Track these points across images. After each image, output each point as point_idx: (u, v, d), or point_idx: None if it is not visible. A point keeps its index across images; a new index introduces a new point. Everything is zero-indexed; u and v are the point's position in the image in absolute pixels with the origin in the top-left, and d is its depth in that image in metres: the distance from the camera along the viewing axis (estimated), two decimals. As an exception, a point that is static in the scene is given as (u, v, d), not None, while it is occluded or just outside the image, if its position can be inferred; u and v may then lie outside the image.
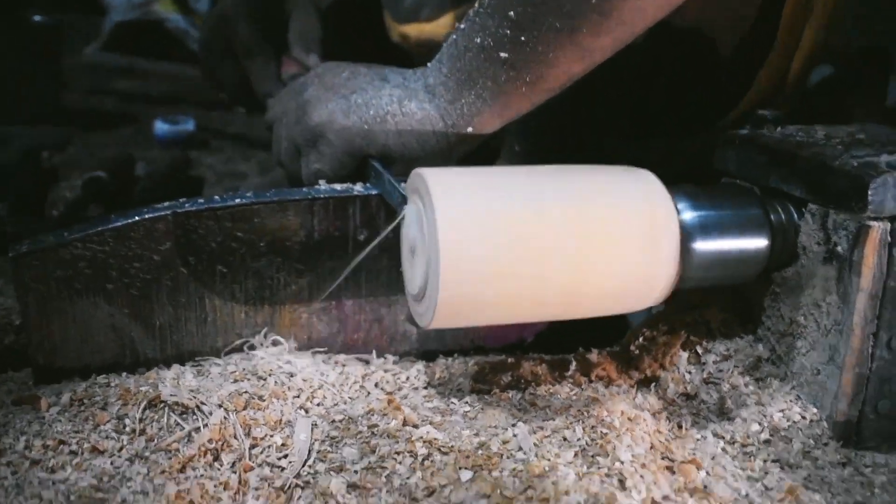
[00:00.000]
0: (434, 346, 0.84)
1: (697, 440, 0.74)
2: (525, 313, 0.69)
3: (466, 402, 0.74)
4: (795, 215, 0.77)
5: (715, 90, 0.99)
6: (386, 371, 0.78)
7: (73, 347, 0.73)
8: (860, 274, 0.72)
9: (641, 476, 0.64)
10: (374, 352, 0.81)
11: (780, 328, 0.80)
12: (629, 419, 0.71)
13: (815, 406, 0.76)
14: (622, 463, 0.65)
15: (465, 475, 0.63)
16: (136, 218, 0.71)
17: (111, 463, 0.61)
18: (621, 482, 0.63)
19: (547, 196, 0.67)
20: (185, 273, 0.74)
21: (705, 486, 0.67)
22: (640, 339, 0.83)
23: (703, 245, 0.74)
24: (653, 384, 0.80)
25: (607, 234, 0.68)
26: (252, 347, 0.77)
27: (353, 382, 0.75)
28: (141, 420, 0.64)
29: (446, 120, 0.76)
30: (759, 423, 0.75)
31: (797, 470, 0.72)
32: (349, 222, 0.77)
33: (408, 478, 0.63)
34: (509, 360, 0.81)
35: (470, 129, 0.76)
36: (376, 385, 0.76)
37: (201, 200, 0.73)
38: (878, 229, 0.71)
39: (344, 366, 0.77)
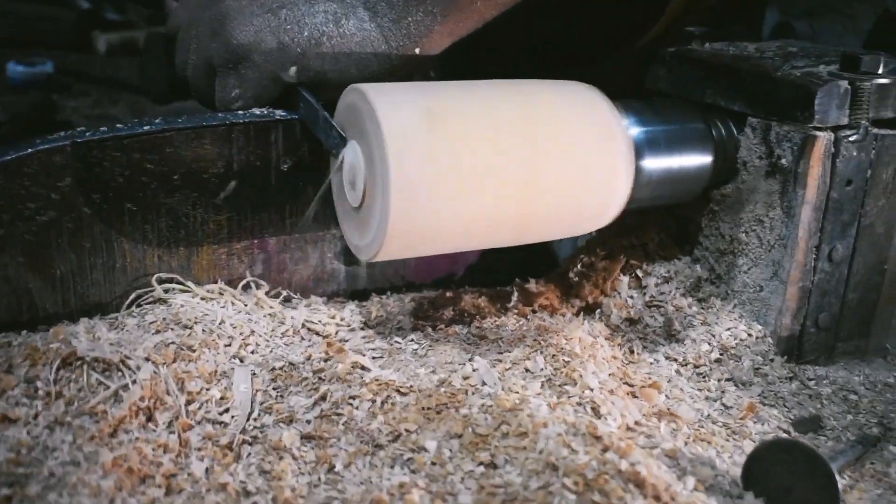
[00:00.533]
0: (363, 286, 0.78)
1: (651, 364, 0.71)
2: (478, 238, 0.64)
3: (412, 340, 0.69)
4: (735, 130, 0.76)
5: (629, 12, 0.96)
6: (315, 313, 0.72)
7: (-42, 304, 0.62)
8: (805, 186, 0.71)
9: (613, 402, 0.61)
10: (299, 294, 0.75)
11: (719, 247, 0.78)
12: (587, 346, 0.67)
13: (760, 323, 0.76)
14: (592, 391, 0.62)
15: (431, 416, 0.58)
16: (30, 150, 0.61)
17: (27, 433, 0.53)
18: (595, 410, 0.60)
19: (500, 113, 0.62)
20: (88, 213, 0.64)
21: (669, 409, 0.65)
22: (579, 265, 0.80)
23: (652, 162, 0.71)
24: (597, 311, 0.77)
25: (564, 152, 0.64)
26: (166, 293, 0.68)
27: (285, 327, 0.69)
28: (56, 381, 0.55)
29: (390, 41, 0.69)
30: (709, 344, 0.74)
31: (750, 387, 0.71)
32: (271, 150, 0.69)
33: (368, 423, 0.57)
34: (447, 294, 0.76)
35: (417, 51, 0.69)
36: (308, 329, 0.70)
37: (104, 128, 0.64)
38: (823, 139, 0.70)
39: (271, 309, 0.70)
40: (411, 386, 0.60)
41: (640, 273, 0.79)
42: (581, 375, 0.63)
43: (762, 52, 0.79)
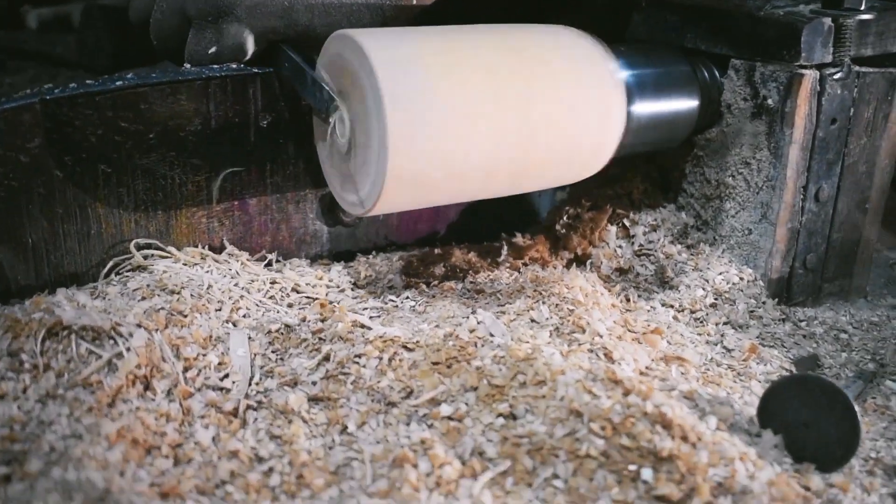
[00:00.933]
0: (346, 247, 0.75)
1: (648, 311, 0.70)
2: (474, 185, 0.62)
3: (408, 297, 0.67)
4: (717, 73, 0.75)
5: None
6: (302, 275, 0.69)
7: (-77, 279, 0.58)
8: (793, 125, 0.71)
9: (623, 348, 0.60)
10: (281, 257, 0.72)
11: (705, 192, 0.77)
12: (588, 294, 0.66)
13: (750, 266, 0.75)
14: (601, 337, 0.60)
15: (442, 370, 0.55)
16: (-7, 109, 0.57)
17: (18, 407, 0.49)
18: (608, 356, 0.58)
19: (493, 56, 0.60)
20: (60, 176, 0.60)
21: (676, 354, 0.64)
22: (565, 217, 0.78)
23: (641, 106, 0.70)
24: (587, 262, 0.76)
25: (558, 94, 0.62)
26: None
27: (274, 290, 0.66)
28: (43, 353, 0.51)
29: None
30: (703, 289, 0.73)
31: (747, 329, 0.71)
32: (250, 106, 0.66)
33: (378, 381, 0.55)
34: (436, 251, 0.74)
35: (414, 0, 0.66)
36: (297, 291, 0.67)
37: (73, 85, 0.60)
38: (809, 77, 0.70)
39: (257, 273, 0.67)
40: (417, 341, 0.58)
41: (626, 223, 0.78)
42: (588, 323, 0.61)
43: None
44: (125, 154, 0.62)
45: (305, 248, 0.73)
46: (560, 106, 0.62)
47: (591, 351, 0.59)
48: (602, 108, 0.64)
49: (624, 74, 0.69)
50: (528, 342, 0.58)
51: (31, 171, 0.59)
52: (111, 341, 0.53)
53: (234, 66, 0.65)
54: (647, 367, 0.60)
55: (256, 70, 0.65)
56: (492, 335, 0.59)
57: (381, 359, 0.56)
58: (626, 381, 0.54)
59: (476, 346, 0.58)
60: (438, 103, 0.57)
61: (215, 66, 0.64)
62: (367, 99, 0.56)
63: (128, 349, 0.52)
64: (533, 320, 0.62)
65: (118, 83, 0.60)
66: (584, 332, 0.61)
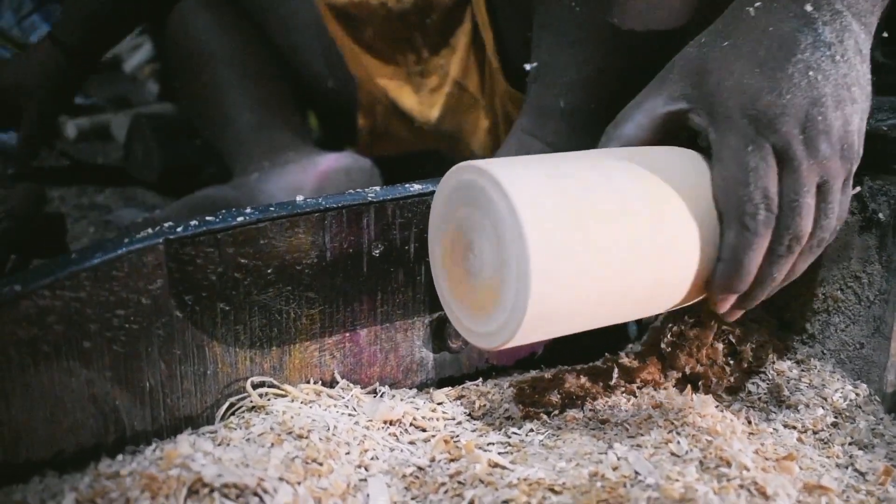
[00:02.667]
0: (450, 373, 0.73)
1: (772, 433, 0.68)
2: (609, 313, 0.60)
3: (532, 430, 0.64)
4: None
5: None
6: (416, 409, 0.66)
7: (41, 431, 0.55)
8: (906, 239, 0.70)
9: (773, 481, 0.57)
10: (387, 387, 0.69)
11: (811, 306, 0.76)
12: (720, 422, 0.64)
13: (863, 381, 0.73)
14: (748, 470, 0.58)
15: (597, 515, 0.53)
16: (120, 251, 0.55)
17: (169, 576, 0.46)
18: (761, 492, 0.56)
19: (625, 191, 0.59)
20: (180, 317, 0.58)
21: (817, 483, 0.61)
22: (669, 335, 0.76)
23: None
24: (698, 381, 0.74)
25: (684, 220, 0.61)
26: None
27: (393, 427, 0.63)
28: (183, 514, 0.48)
29: None
30: (822, 408, 0.71)
31: (874, 449, 0.68)
32: (363, 236, 0.64)
33: (530, 529, 0.52)
34: (546, 376, 0.72)
35: None
36: (414, 426, 0.64)
37: (194, 222, 0.58)
38: (921, 191, 0.69)
39: (373, 408, 0.64)
40: (563, 483, 0.55)
41: (732, 339, 0.76)
42: (732, 455, 0.59)
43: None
44: (243, 291, 0.60)
45: (412, 376, 0.70)
46: (685, 230, 0.61)
47: (742, 487, 0.56)
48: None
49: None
50: (678, 480, 0.55)
51: (152, 313, 0.57)
52: (256, 498, 0.50)
53: (350, 193, 0.64)
54: (798, 501, 0.57)
55: (371, 198, 0.64)
56: (637, 473, 0.57)
57: (530, 503, 0.54)
58: (793, 523, 0.51)
59: (626, 486, 0.55)
60: (578, 238, 0.55)
61: (330, 197, 0.63)
62: (504, 232, 0.55)
63: (276, 507, 0.49)
64: (674, 454, 0.59)
65: (239, 219, 0.59)
66: (729, 465, 0.58)
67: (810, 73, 0.58)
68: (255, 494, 0.50)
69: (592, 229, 0.56)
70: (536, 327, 0.57)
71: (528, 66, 0.89)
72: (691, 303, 0.67)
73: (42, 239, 1.07)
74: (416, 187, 0.65)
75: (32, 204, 1.09)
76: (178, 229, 0.57)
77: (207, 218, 0.59)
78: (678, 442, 0.60)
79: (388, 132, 1.15)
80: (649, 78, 0.67)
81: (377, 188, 0.65)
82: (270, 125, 1.14)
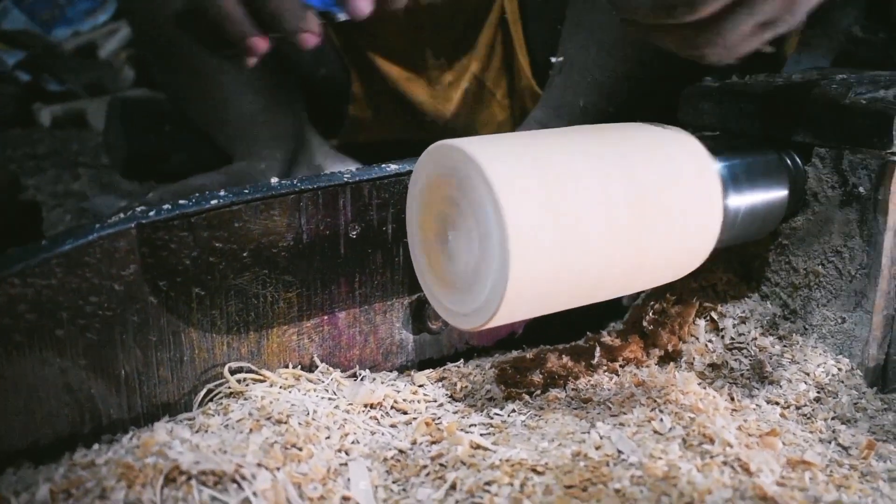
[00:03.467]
0: (430, 354, 0.72)
1: (755, 409, 0.68)
2: (587, 292, 0.60)
3: (514, 411, 0.64)
4: (800, 161, 0.74)
5: None
6: (397, 391, 0.65)
7: (17, 423, 0.54)
8: (886, 212, 0.69)
9: (756, 457, 0.57)
10: (367, 370, 0.68)
11: (792, 281, 0.76)
12: (702, 399, 0.63)
13: (845, 355, 0.73)
14: (731, 447, 0.57)
15: (579, 494, 0.52)
16: (91, 237, 0.54)
17: (146, 566, 0.45)
18: (744, 468, 0.56)
19: (604, 162, 0.58)
20: (154, 303, 0.57)
21: (801, 458, 0.61)
22: (651, 313, 0.76)
23: (737, 200, 0.68)
24: (680, 359, 0.74)
25: (668, 199, 0.60)
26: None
27: (374, 410, 0.62)
28: (163, 503, 0.48)
29: None
30: (805, 383, 0.71)
31: (857, 423, 0.68)
32: (340, 217, 0.63)
33: (514, 510, 0.51)
34: (528, 356, 0.71)
35: None
36: (397, 409, 0.63)
37: (167, 206, 0.57)
38: (902, 164, 0.69)
39: (353, 390, 0.64)
40: (546, 463, 0.55)
41: (714, 315, 0.76)
42: (715, 432, 0.58)
43: (813, 80, 0.78)
44: (219, 275, 0.59)
45: (392, 358, 0.70)
46: (666, 207, 0.60)
47: (725, 463, 0.56)
48: (705, 207, 0.62)
49: (718, 167, 0.67)
50: (661, 458, 0.55)
51: (126, 300, 0.56)
52: (234, 485, 0.49)
53: (326, 174, 0.63)
54: (782, 477, 0.57)
55: (347, 179, 0.63)
56: (620, 452, 0.56)
57: (512, 485, 0.53)
58: (777, 498, 0.51)
59: (609, 465, 0.55)
60: (555, 213, 0.55)
61: (306, 178, 0.62)
62: (485, 212, 0.54)
63: (254, 494, 0.49)
64: (656, 431, 0.59)
65: (213, 202, 0.58)
66: (713, 442, 0.58)
67: None
68: (234, 481, 0.49)
69: (571, 213, 0.55)
70: (516, 308, 0.56)
71: (554, 59, 0.89)
72: (674, 279, 0.66)
73: (17, 228, 1.06)
74: (393, 167, 0.64)
75: (6, 192, 1.08)
76: (151, 213, 0.56)
77: (181, 201, 0.58)
78: (661, 420, 0.60)
79: (381, 121, 1.13)
80: (666, 87, 0.67)
81: (353, 168, 0.64)
82: (274, 110, 1.11)
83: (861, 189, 0.70)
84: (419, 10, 1.03)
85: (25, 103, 1.51)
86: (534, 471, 0.54)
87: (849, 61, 1.49)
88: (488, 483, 0.53)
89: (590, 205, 0.56)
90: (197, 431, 0.56)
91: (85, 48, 2.01)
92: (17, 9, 1.76)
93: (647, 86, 0.83)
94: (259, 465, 0.51)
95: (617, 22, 0.72)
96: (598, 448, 0.57)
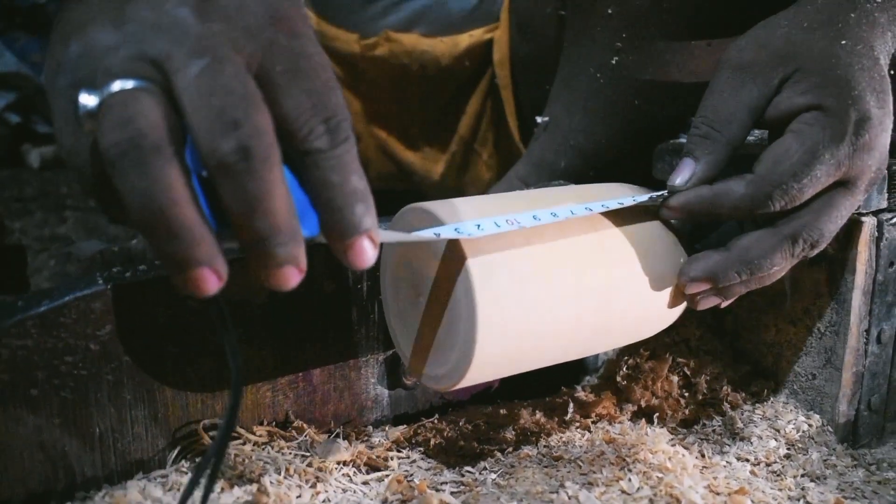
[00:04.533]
0: (405, 409, 0.73)
1: (725, 466, 0.69)
2: (555, 356, 0.61)
3: (486, 468, 0.64)
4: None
5: None
6: (370, 448, 0.66)
7: (-11, 481, 0.54)
8: (854, 271, 0.71)
9: (722, 519, 0.58)
10: (341, 426, 0.69)
11: (765, 338, 0.77)
12: (672, 457, 0.64)
13: (816, 411, 0.74)
14: (698, 508, 0.58)
15: (546, 556, 0.53)
16: (67, 298, 0.55)
17: None
18: (710, 530, 0.56)
19: (574, 238, 0.59)
20: (129, 362, 0.58)
21: (767, 517, 0.62)
22: (624, 368, 0.77)
23: (706, 259, 0.70)
24: (654, 414, 0.74)
25: (635, 269, 0.61)
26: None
27: (346, 467, 0.63)
28: (130, 564, 0.48)
29: None
30: (775, 440, 0.72)
31: (826, 481, 0.69)
32: (315, 274, 0.64)
33: (481, 572, 0.52)
34: (501, 411, 0.72)
35: None
36: (369, 466, 0.64)
37: (143, 267, 0.58)
38: (868, 224, 0.70)
39: (319, 449, 0.64)
40: (515, 524, 0.55)
41: (687, 371, 0.77)
42: (682, 493, 0.59)
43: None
44: (194, 333, 0.60)
45: (367, 413, 0.70)
46: (634, 273, 0.61)
47: (691, 524, 0.57)
48: (672, 272, 0.63)
49: (688, 229, 0.68)
50: (628, 519, 0.56)
51: (101, 359, 0.57)
52: (204, 547, 0.49)
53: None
54: (747, 538, 0.58)
55: (322, 241, 0.64)
56: (587, 512, 0.57)
57: (479, 546, 0.54)
58: (739, 561, 0.52)
59: (577, 526, 0.55)
60: (523, 285, 0.56)
61: (283, 238, 0.63)
62: (456, 290, 0.55)
63: (222, 556, 0.49)
64: (624, 491, 0.60)
65: (189, 262, 0.58)
66: (679, 503, 0.58)
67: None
68: (202, 543, 0.50)
69: (539, 284, 0.57)
70: (484, 371, 0.57)
71: (539, 119, 0.91)
72: (643, 339, 0.68)
73: (2, 272, 1.07)
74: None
75: (-9, 237, 1.09)
76: (126, 274, 0.57)
77: (156, 262, 0.59)
78: (629, 479, 0.61)
79: (369, 174, 1.14)
80: (646, 155, 0.70)
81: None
82: None
83: (829, 249, 0.72)
84: (410, 79, 1.05)
85: (15, 145, 1.53)
86: (502, 532, 0.55)
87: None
88: (456, 544, 0.54)
89: (558, 273, 0.57)
90: (169, 490, 0.57)
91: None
92: (9, 51, 1.79)
93: (627, 151, 0.85)
94: (230, 527, 0.51)
95: (606, 92, 0.75)
96: (566, 509, 0.57)
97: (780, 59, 0.58)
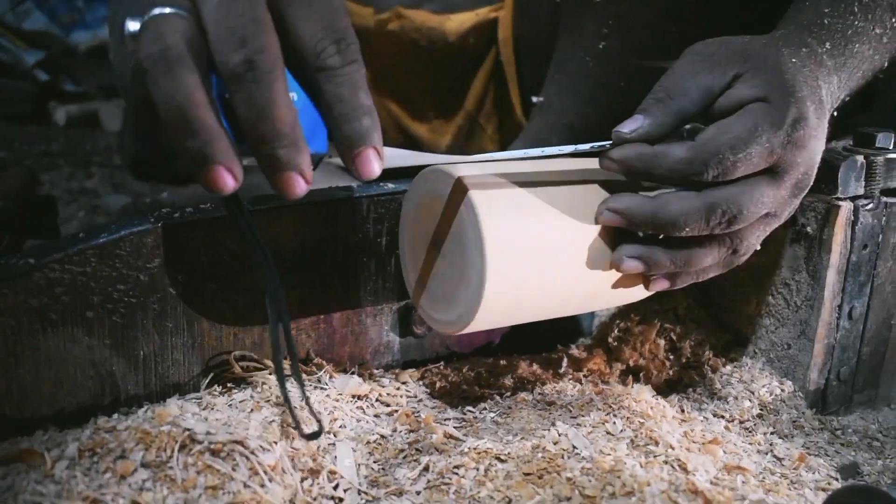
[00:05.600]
0: (414, 356, 0.80)
1: (703, 421, 0.76)
2: (556, 309, 0.67)
3: (485, 409, 0.71)
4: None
5: None
6: (382, 387, 0.73)
7: (46, 391, 0.61)
8: (830, 251, 0.78)
9: (693, 459, 0.65)
10: (356, 366, 0.76)
11: (746, 310, 0.84)
12: (654, 407, 0.71)
13: (789, 378, 0.81)
14: (673, 449, 0.65)
15: (535, 481, 0.60)
16: (123, 232, 0.61)
17: (161, 517, 0.52)
18: (682, 467, 0.63)
19: (577, 198, 0.66)
20: (173, 293, 0.65)
21: (737, 464, 0.69)
22: (616, 330, 0.83)
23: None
24: (640, 373, 0.81)
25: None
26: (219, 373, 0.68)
27: (360, 401, 0.70)
28: (180, 466, 0.55)
29: None
30: (749, 401, 0.78)
31: (793, 439, 0.76)
32: (340, 228, 0.71)
33: (478, 491, 0.59)
34: (502, 362, 0.79)
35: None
36: (381, 402, 0.71)
37: (190, 209, 0.65)
38: (845, 208, 0.77)
39: (336, 383, 0.71)
40: (508, 453, 0.62)
41: (673, 336, 0.83)
42: (660, 435, 0.66)
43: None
44: (231, 273, 0.67)
45: (379, 357, 0.77)
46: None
47: (666, 462, 0.64)
48: None
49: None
50: (609, 454, 0.63)
51: (148, 289, 0.63)
52: (240, 455, 0.56)
53: (328, 190, 0.71)
54: (715, 478, 0.65)
55: (348, 195, 0.71)
56: (575, 447, 0.64)
57: (477, 469, 0.61)
58: (706, 492, 0.59)
59: (563, 457, 0.62)
60: (529, 238, 0.62)
61: (313, 191, 0.69)
62: (468, 235, 0.61)
63: (259, 463, 0.56)
64: (608, 432, 0.67)
65: (230, 208, 0.65)
66: (657, 444, 0.65)
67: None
68: (241, 453, 0.56)
69: (544, 234, 0.63)
70: (490, 318, 0.64)
71: (535, 99, 0.98)
72: (637, 300, 0.74)
73: (34, 221, 1.13)
74: (390, 186, 0.72)
75: (25, 186, 1.15)
76: (175, 215, 0.64)
77: (201, 206, 0.65)
78: (614, 422, 0.68)
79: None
80: None
81: (354, 184, 0.72)
82: None
83: (809, 229, 0.78)
84: (420, 55, 1.11)
85: (42, 102, 1.59)
86: (497, 459, 0.62)
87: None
88: (457, 467, 0.61)
89: (561, 229, 0.64)
90: (204, 408, 0.63)
91: (99, 49, 2.09)
92: (40, 10, 1.85)
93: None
94: (260, 438, 0.58)
95: (594, 74, 0.81)
96: (555, 443, 0.64)
97: (738, 57, 0.64)
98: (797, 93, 0.62)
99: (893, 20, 0.71)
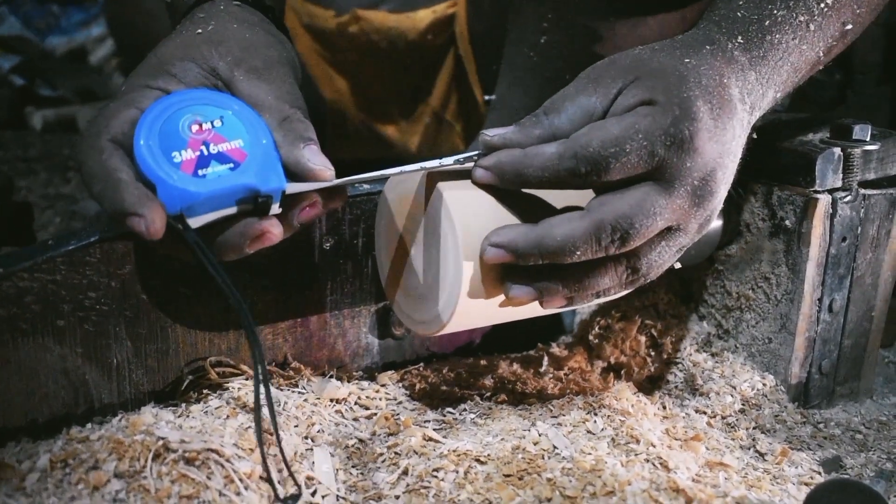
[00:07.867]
0: (394, 358, 0.79)
1: (684, 417, 0.75)
2: (532, 309, 0.67)
3: (465, 410, 0.71)
4: (733, 194, 0.81)
5: None
6: (361, 389, 0.72)
7: (18, 401, 0.60)
8: (809, 244, 0.77)
9: (675, 456, 0.64)
10: (335, 370, 0.75)
11: (726, 304, 0.83)
12: (635, 405, 0.71)
13: (771, 372, 0.81)
14: (654, 447, 0.65)
15: (515, 482, 0.59)
16: (93, 239, 0.60)
17: (135, 529, 0.51)
18: (664, 465, 0.63)
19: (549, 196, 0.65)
20: (146, 300, 0.64)
21: (719, 461, 0.68)
22: (597, 328, 0.83)
23: (674, 227, 0.76)
24: (621, 370, 0.81)
25: None
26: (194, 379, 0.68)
27: (339, 405, 0.69)
28: (152, 476, 0.54)
29: None
30: (731, 396, 0.78)
31: (776, 433, 0.76)
32: (315, 231, 0.70)
33: (457, 494, 0.58)
34: (482, 362, 0.78)
35: None
36: (360, 405, 0.70)
37: (162, 215, 0.64)
38: (823, 201, 0.77)
39: (321, 387, 0.70)
40: (488, 454, 0.62)
41: (654, 332, 0.83)
42: (641, 433, 0.66)
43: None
44: (205, 277, 0.66)
45: (358, 360, 0.76)
46: None
47: (647, 461, 0.63)
48: None
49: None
50: (590, 453, 0.62)
51: (121, 296, 0.63)
52: (216, 464, 0.55)
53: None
54: (697, 475, 0.64)
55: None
56: (555, 447, 0.63)
57: (457, 472, 0.60)
58: (687, 490, 0.59)
59: (544, 458, 0.62)
60: (490, 209, 0.62)
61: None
62: (446, 240, 0.61)
63: (234, 471, 0.55)
64: (589, 431, 0.66)
65: (202, 213, 0.64)
66: (638, 442, 0.65)
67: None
68: (216, 461, 0.56)
69: (501, 207, 0.62)
70: (464, 320, 0.63)
71: (486, 97, 0.98)
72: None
73: (10, 227, 1.12)
74: (366, 187, 0.71)
75: (1, 193, 1.14)
76: (146, 220, 0.63)
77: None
78: (594, 421, 0.67)
79: (354, 146, 1.20)
80: None
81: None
82: None
83: (787, 222, 0.78)
84: (381, 56, 1.11)
85: (18, 107, 1.58)
86: (477, 461, 0.61)
87: (804, 100, 1.58)
88: (436, 470, 0.60)
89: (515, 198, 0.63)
90: (179, 416, 0.63)
91: (76, 52, 2.07)
92: (14, 15, 1.83)
93: None
94: (235, 444, 0.58)
95: (538, 68, 0.81)
96: (535, 443, 0.64)
97: (623, 73, 0.60)
98: (683, 92, 0.58)
99: (821, 5, 0.65)
